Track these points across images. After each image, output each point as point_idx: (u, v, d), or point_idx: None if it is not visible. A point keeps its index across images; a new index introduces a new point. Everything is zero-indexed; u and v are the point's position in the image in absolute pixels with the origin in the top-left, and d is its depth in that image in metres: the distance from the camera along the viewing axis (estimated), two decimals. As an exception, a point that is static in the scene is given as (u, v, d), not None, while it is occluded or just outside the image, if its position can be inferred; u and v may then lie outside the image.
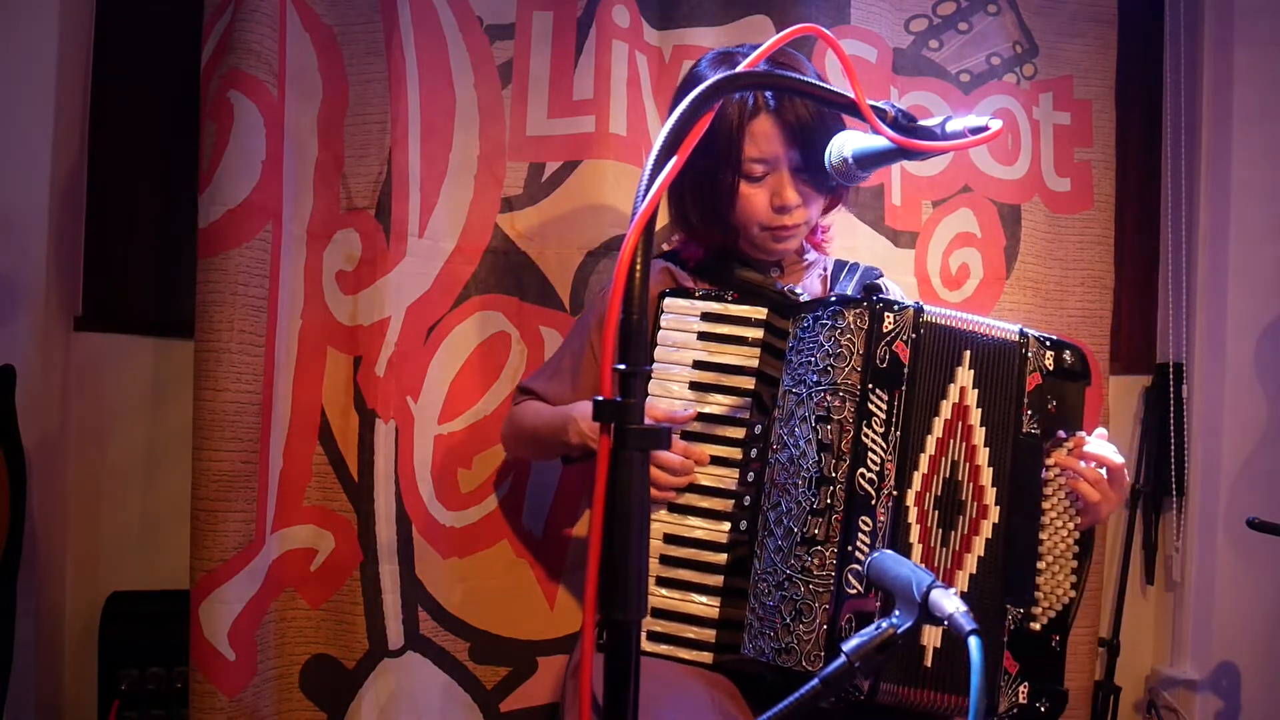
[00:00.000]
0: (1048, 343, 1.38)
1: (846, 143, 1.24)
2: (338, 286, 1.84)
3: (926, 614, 0.99)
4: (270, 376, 1.74)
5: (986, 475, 1.34)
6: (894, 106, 1.12)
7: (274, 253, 1.74)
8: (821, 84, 1.10)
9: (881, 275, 1.65)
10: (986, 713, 1.28)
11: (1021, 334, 1.38)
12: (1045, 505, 1.37)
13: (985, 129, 1.10)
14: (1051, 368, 1.37)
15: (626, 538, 0.85)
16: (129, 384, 1.98)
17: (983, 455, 1.34)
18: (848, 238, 1.99)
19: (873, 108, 1.08)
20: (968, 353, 1.35)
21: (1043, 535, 1.36)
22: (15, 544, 1.65)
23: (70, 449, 1.94)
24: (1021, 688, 1.32)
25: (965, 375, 1.35)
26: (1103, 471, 1.37)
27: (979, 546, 1.33)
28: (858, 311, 1.32)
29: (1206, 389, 2.35)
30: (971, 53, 2.13)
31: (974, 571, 1.32)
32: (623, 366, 0.87)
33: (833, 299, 1.36)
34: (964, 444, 1.34)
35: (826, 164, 1.26)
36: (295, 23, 1.79)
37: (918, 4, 2.11)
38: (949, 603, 0.97)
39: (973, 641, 0.91)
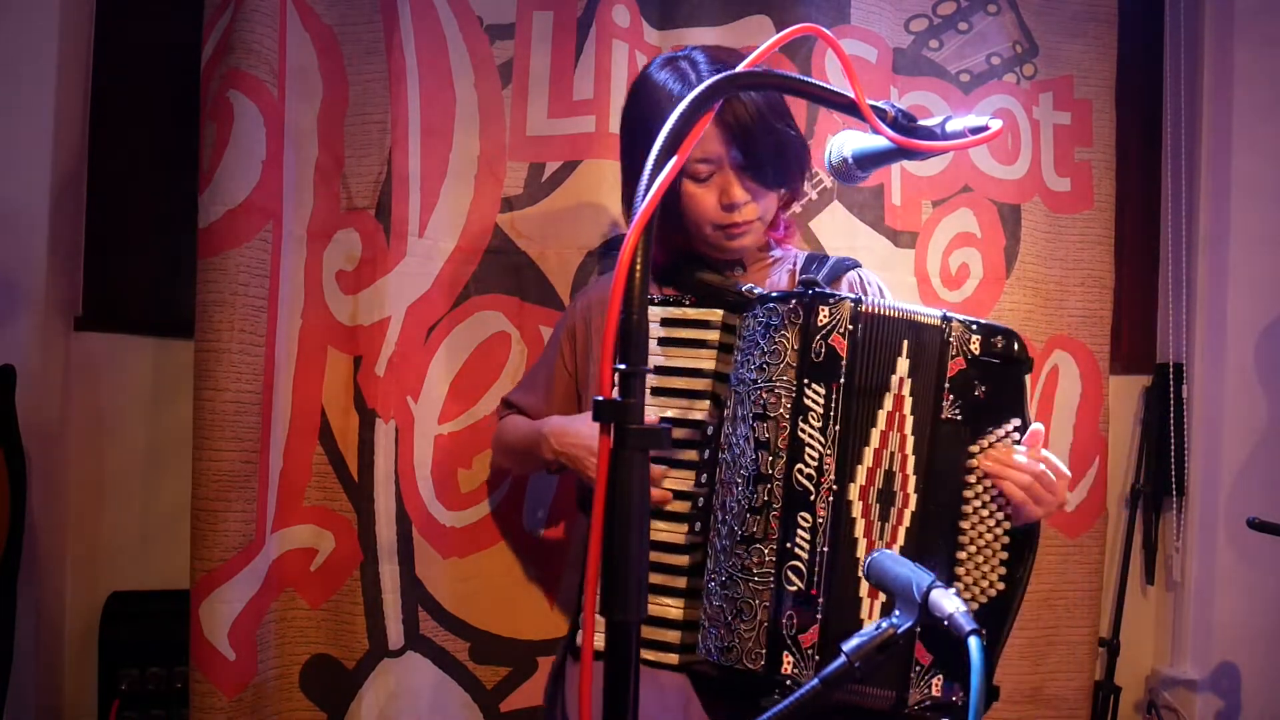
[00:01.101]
0: (974, 326, 1.33)
1: (846, 143, 1.23)
2: (338, 286, 1.84)
3: (926, 614, 0.99)
4: (270, 376, 1.74)
5: (910, 463, 1.31)
6: (894, 106, 1.12)
7: (274, 253, 1.74)
8: (821, 84, 1.10)
9: (857, 266, 1.61)
10: (895, 705, 1.26)
11: (944, 318, 1.34)
12: (968, 494, 1.32)
13: (985, 129, 1.10)
14: (977, 352, 1.32)
15: (626, 538, 0.85)
16: (129, 384, 1.98)
17: (910, 444, 1.32)
18: (848, 238, 1.99)
19: (873, 108, 1.08)
20: (906, 342, 1.32)
21: (964, 524, 1.32)
22: (15, 544, 1.65)
23: (70, 449, 1.94)
24: (935, 680, 1.28)
25: (903, 365, 1.32)
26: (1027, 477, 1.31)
27: (901, 535, 1.31)
28: (790, 307, 1.30)
29: (1206, 389, 2.35)
30: (971, 53, 2.13)
31: None
32: (623, 366, 0.87)
33: (772, 295, 1.35)
34: (899, 434, 1.32)
35: (826, 164, 1.25)
36: (295, 22, 1.79)
37: (918, 4, 2.11)
38: (949, 603, 0.97)
39: (972, 642, 0.90)
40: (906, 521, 1.31)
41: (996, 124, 1.10)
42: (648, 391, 1.41)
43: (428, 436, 1.85)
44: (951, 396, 1.32)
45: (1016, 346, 1.34)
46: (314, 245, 1.83)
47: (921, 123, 1.14)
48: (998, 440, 1.33)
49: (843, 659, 1.00)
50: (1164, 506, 2.40)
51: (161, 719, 1.85)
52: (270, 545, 1.76)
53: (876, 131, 1.10)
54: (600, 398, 0.86)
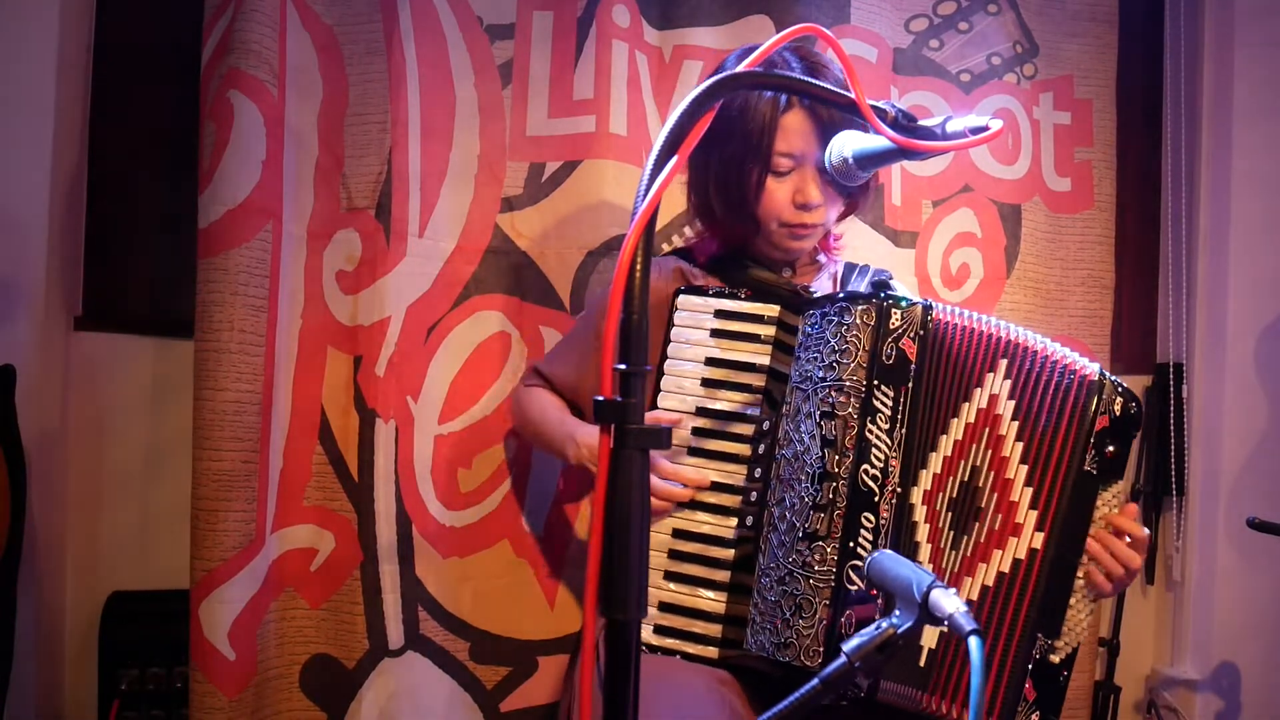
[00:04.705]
0: (1120, 388, 1.35)
1: (847, 143, 1.24)
2: (338, 286, 1.84)
3: (926, 614, 0.99)
4: (270, 376, 1.74)
5: (1023, 494, 1.31)
6: (894, 106, 1.12)
7: (274, 252, 1.73)
8: (821, 83, 1.10)
9: (890, 277, 1.64)
10: None
11: (1101, 373, 1.35)
12: (1090, 544, 1.34)
13: (985, 129, 1.10)
14: (1119, 413, 1.34)
15: (626, 537, 0.85)
16: (129, 384, 1.98)
17: (1018, 471, 1.32)
18: (848, 237, 1.98)
19: (873, 108, 1.08)
20: (1004, 361, 1.33)
21: (1079, 573, 1.34)
22: (15, 544, 1.65)
23: (70, 449, 1.94)
24: (1034, 715, 1.31)
25: (999, 384, 1.33)
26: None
27: (1001, 561, 1.31)
28: (864, 308, 1.31)
29: (1206, 389, 2.35)
30: (972, 52, 2.13)
31: (989, 583, 1.31)
32: (623, 366, 0.87)
33: (841, 295, 1.36)
34: (989, 451, 1.32)
35: (826, 164, 1.25)
36: (295, 22, 1.79)
37: (918, 4, 2.11)
38: (949, 602, 0.96)
39: (973, 641, 0.90)
40: (1017, 552, 1.31)
41: (997, 124, 1.10)
42: (698, 382, 1.42)
43: (428, 436, 1.85)
44: (1094, 450, 1.33)
45: (1142, 413, 1.37)
46: (314, 245, 1.83)
47: (922, 123, 1.14)
48: (1111, 498, 1.35)
49: (843, 659, 1.00)
50: (1164, 506, 2.40)
51: (161, 719, 1.85)
52: (270, 545, 1.76)
53: (877, 131, 1.10)
54: (600, 398, 0.87)
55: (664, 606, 1.37)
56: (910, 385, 1.30)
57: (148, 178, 2.00)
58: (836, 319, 1.32)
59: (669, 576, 1.38)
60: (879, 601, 1.26)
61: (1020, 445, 1.32)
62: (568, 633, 1.89)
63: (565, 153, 1.91)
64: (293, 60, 1.78)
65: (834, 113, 1.42)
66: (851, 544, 1.27)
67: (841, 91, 1.07)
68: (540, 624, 1.89)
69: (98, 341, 1.97)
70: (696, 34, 1.97)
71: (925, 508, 1.31)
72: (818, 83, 1.11)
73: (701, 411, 1.42)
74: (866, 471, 1.28)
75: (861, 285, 1.59)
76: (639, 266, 0.87)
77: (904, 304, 1.32)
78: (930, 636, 1.29)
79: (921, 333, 1.31)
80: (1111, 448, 1.34)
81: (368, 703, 1.81)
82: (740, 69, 1.04)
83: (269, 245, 1.72)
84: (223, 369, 1.66)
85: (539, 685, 1.87)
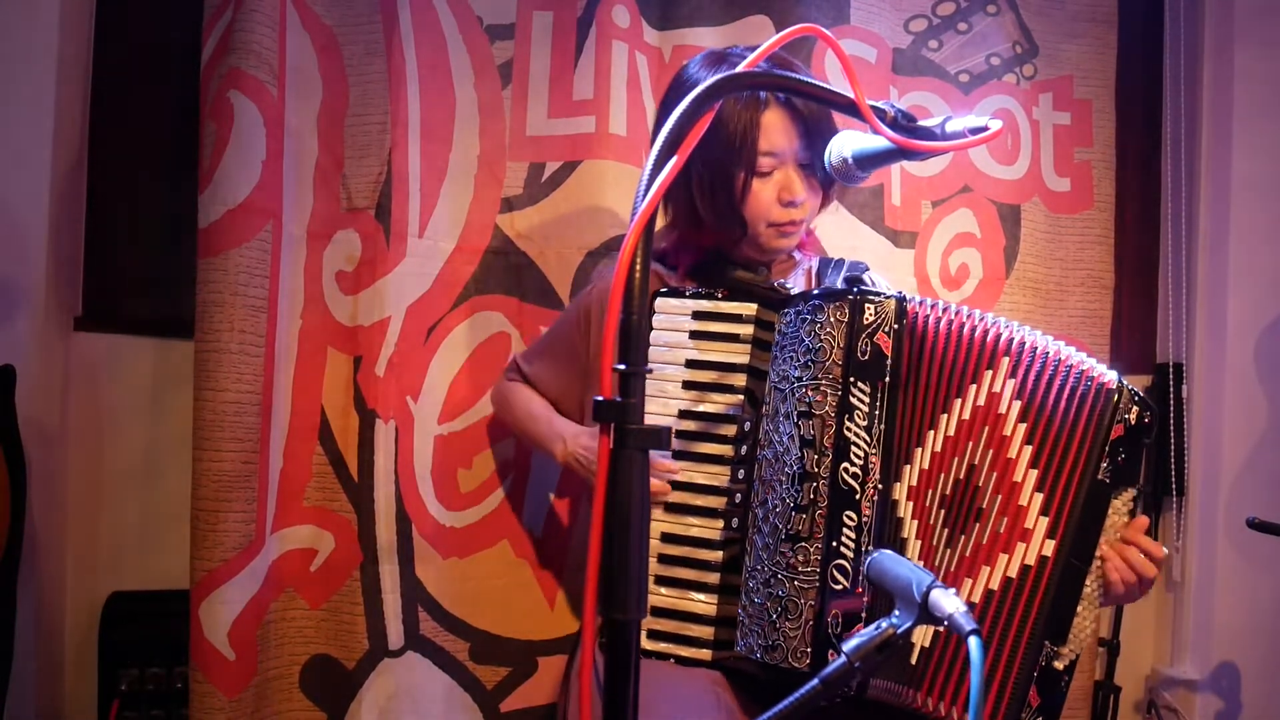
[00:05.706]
0: (1136, 396, 1.33)
1: (846, 143, 1.23)
2: (338, 286, 1.84)
3: (926, 614, 0.99)
4: (270, 376, 1.74)
5: (1032, 498, 1.30)
6: (894, 106, 1.12)
7: (274, 253, 1.74)
8: (821, 84, 1.10)
9: (867, 269, 1.62)
10: None
11: (1119, 380, 1.33)
12: (1098, 554, 1.33)
13: (985, 129, 1.10)
14: (1134, 422, 1.32)
15: (626, 537, 0.85)
16: (129, 384, 1.98)
17: (1026, 474, 1.30)
18: (848, 237, 1.99)
19: (872, 108, 1.08)
20: (1006, 360, 1.32)
21: (1089, 580, 1.32)
22: (15, 544, 1.65)
23: (70, 449, 1.94)
24: None
25: (1001, 383, 1.31)
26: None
27: (1008, 566, 1.30)
28: (837, 305, 1.30)
29: (1206, 389, 2.35)
30: (971, 53, 2.13)
31: (993, 587, 1.30)
32: (623, 366, 0.87)
33: (815, 293, 1.35)
34: (990, 451, 1.31)
35: (826, 164, 1.25)
36: (295, 22, 1.79)
37: (917, 4, 2.11)
38: (949, 602, 0.97)
39: (972, 641, 0.90)
40: (1025, 558, 1.30)
41: (996, 124, 1.10)
42: (680, 385, 1.41)
43: (428, 437, 1.85)
44: (1108, 460, 1.31)
45: (1156, 422, 1.36)
46: (314, 245, 1.83)
47: (921, 123, 1.14)
48: (1123, 506, 1.34)
49: (843, 659, 1.00)
50: (1164, 506, 2.40)
51: (161, 719, 1.85)
52: (270, 545, 1.76)
53: (876, 132, 1.10)
54: (600, 398, 0.87)
55: (656, 611, 1.37)
56: (887, 380, 1.29)
57: (148, 178, 2.00)
58: (810, 317, 1.32)
59: (659, 581, 1.38)
60: (865, 599, 1.25)
61: (1030, 449, 1.31)
62: (568, 633, 1.89)
63: (565, 153, 1.91)
64: (293, 60, 1.78)
65: (811, 106, 1.41)
66: (835, 544, 1.26)
67: (842, 92, 1.07)
68: (540, 624, 1.89)
69: (98, 341, 1.97)
70: (696, 34, 1.97)
71: (911, 504, 1.30)
72: (819, 83, 1.11)
73: (684, 414, 1.41)
74: (846, 469, 1.27)
75: (838, 280, 1.56)
76: (639, 266, 0.87)
77: (877, 298, 1.31)
78: (923, 635, 1.29)
79: (896, 327, 1.30)
80: (1125, 455, 1.32)
81: (367, 703, 1.81)
82: (740, 69, 1.04)
83: (269, 245, 1.72)
84: (223, 369, 1.66)
85: (539, 685, 1.87)
